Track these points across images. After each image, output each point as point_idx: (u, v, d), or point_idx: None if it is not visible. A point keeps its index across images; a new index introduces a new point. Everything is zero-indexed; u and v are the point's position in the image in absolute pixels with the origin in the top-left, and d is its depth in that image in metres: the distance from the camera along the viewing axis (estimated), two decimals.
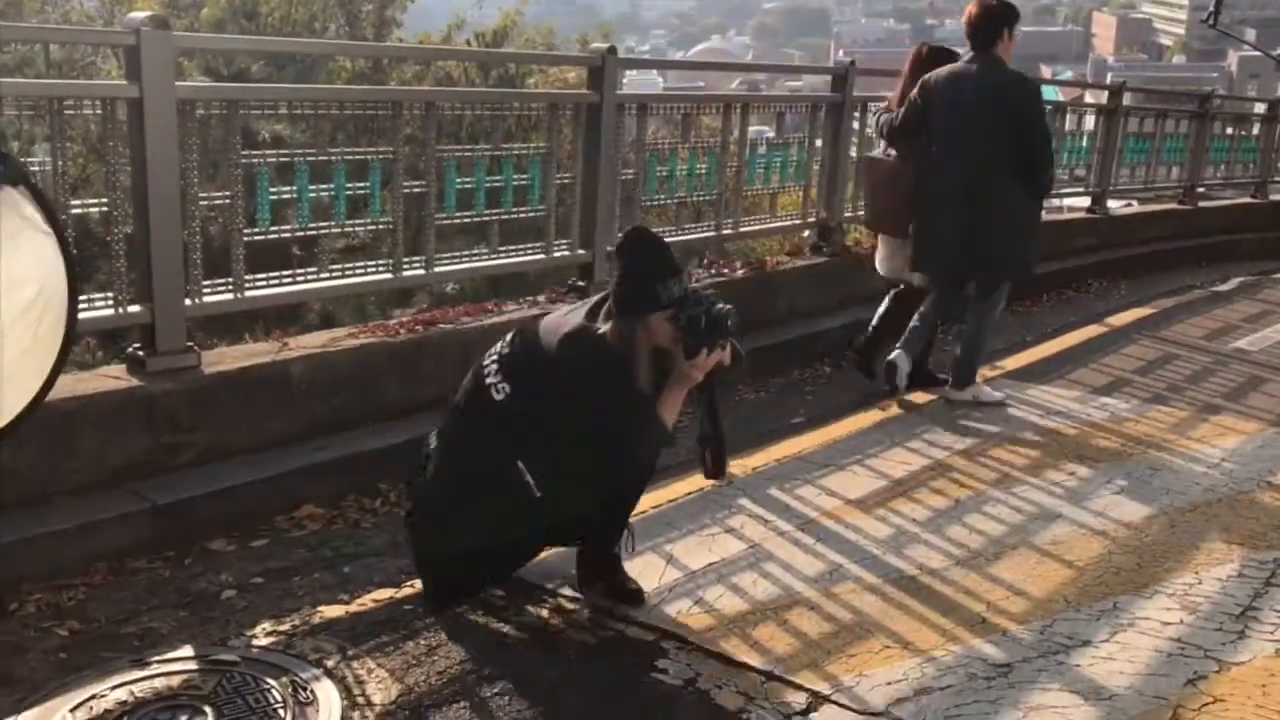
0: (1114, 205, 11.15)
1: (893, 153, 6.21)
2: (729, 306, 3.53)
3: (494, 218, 5.51)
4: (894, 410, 6.00)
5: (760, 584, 3.92)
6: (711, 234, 6.85)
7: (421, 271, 5.23)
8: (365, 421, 4.84)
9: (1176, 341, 7.87)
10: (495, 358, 3.69)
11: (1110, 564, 4.18)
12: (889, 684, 3.31)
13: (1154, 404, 6.31)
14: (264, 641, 3.43)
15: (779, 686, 3.28)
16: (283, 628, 3.51)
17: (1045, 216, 10.21)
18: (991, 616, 3.75)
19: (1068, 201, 11.73)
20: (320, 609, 3.65)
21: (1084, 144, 10.45)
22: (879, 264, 6.53)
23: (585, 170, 5.85)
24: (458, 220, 5.38)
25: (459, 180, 5.27)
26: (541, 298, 5.88)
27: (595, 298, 3.74)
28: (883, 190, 6.31)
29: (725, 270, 6.83)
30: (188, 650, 3.36)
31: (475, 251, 5.50)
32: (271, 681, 3.20)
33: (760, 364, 6.51)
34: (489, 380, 3.64)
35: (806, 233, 7.85)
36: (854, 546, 4.26)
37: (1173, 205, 12.05)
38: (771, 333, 6.82)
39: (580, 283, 5.98)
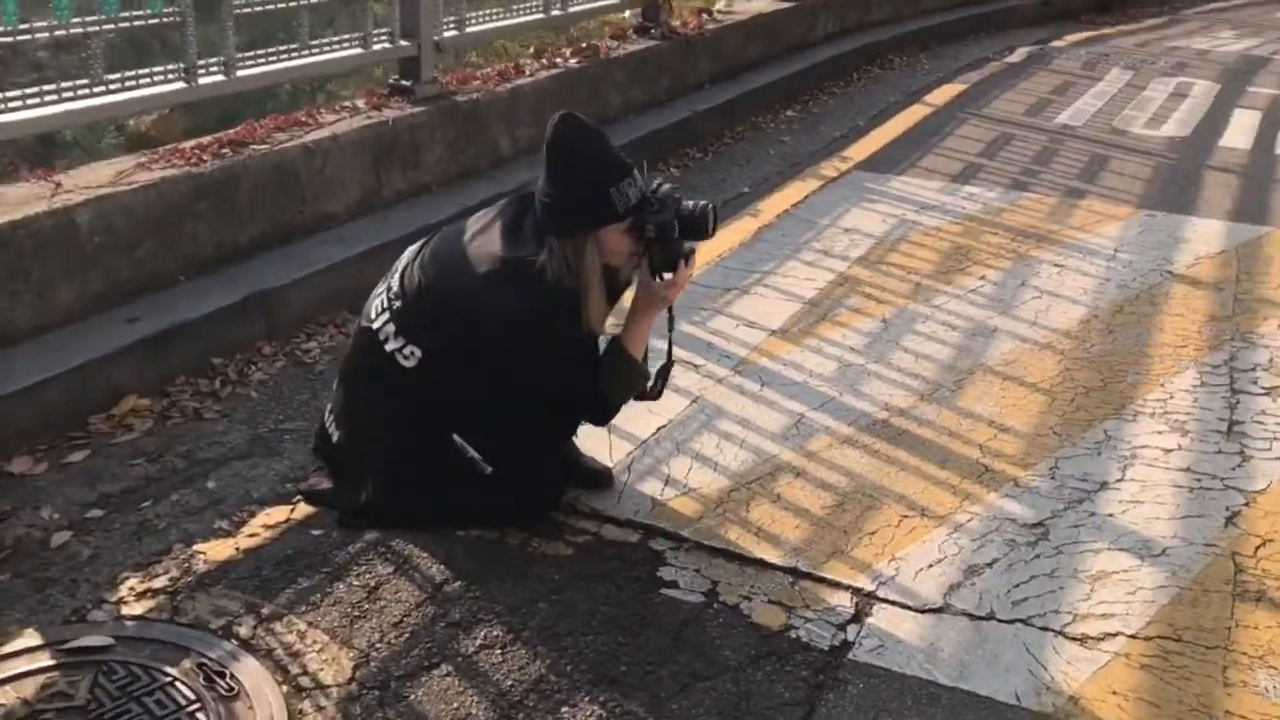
0: None
1: None
2: (705, 202, 2.75)
3: (302, 3, 4.35)
4: (767, 218, 5.41)
5: (726, 449, 3.31)
6: (540, 15, 5.87)
7: (221, 77, 4.08)
8: (178, 277, 3.79)
9: (1003, 120, 7.63)
10: (386, 313, 2.80)
11: (1075, 382, 3.82)
12: (931, 566, 2.82)
13: (1018, 191, 6.02)
14: (137, 608, 2.53)
15: (813, 587, 2.72)
16: (157, 583, 2.62)
17: None
18: (991, 463, 3.31)
19: None
20: (198, 547, 2.76)
21: None
22: None
23: None
24: (259, 9, 4.21)
25: None
26: (360, 103, 4.81)
27: (504, 206, 2.81)
28: None
29: (557, 60, 5.89)
30: (33, 637, 2.42)
31: (284, 49, 4.35)
32: (171, 670, 2.34)
33: None
34: (389, 347, 2.76)
35: (627, 13, 6.96)
36: (805, 389, 3.71)
37: None
38: (612, 134, 5.99)
39: (405, 82, 4.94)
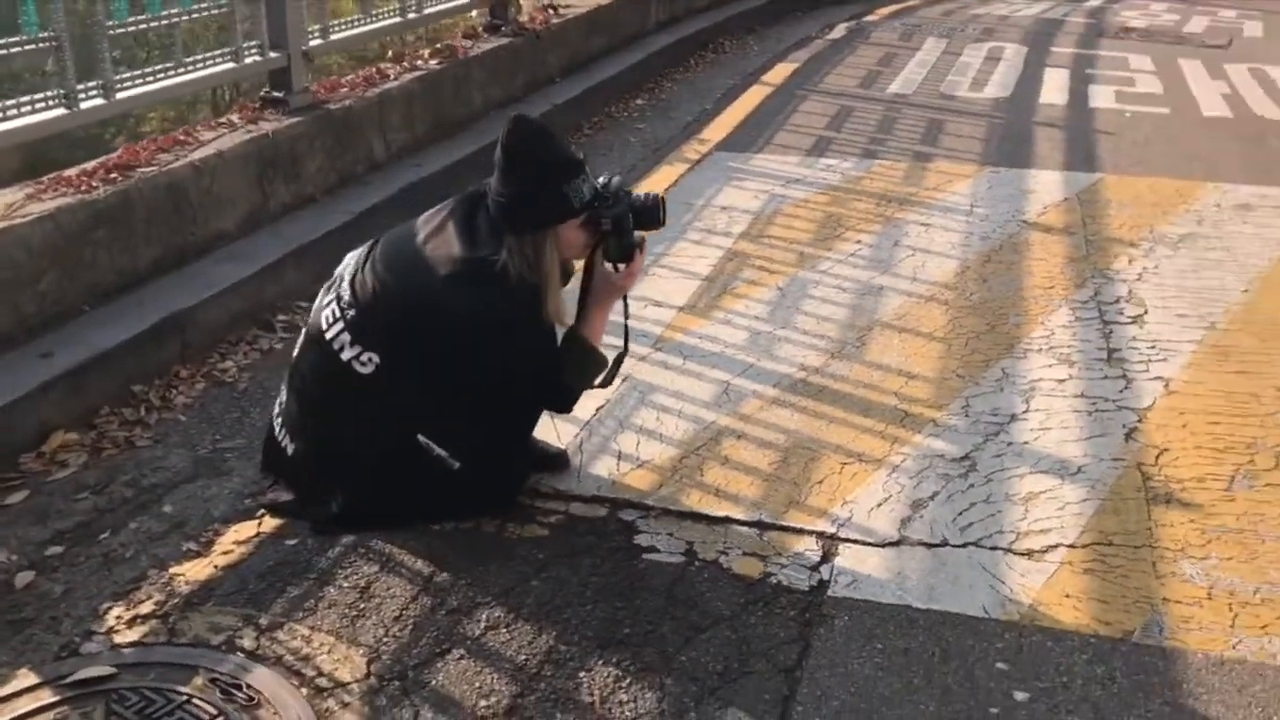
0: None
1: None
2: (656, 193, 2.89)
3: (175, 19, 4.29)
4: None
5: (667, 421, 3.46)
6: (397, 20, 5.87)
7: (102, 100, 3.99)
8: (82, 307, 3.70)
9: (840, 93, 7.98)
10: (339, 321, 2.82)
11: (965, 329, 4.12)
12: (880, 505, 3.03)
13: (870, 159, 6.34)
14: (131, 635, 2.51)
15: (780, 536, 2.90)
16: (144, 609, 2.60)
17: None
18: (909, 408, 3.56)
19: None
20: (175, 570, 2.74)
21: None
22: None
23: None
24: (132, 28, 4.12)
25: None
26: (236, 117, 4.75)
27: (453, 207, 2.85)
28: None
29: (418, 63, 5.91)
30: (28, 677, 2.38)
31: (160, 68, 4.27)
32: (184, 689, 2.34)
33: (467, 178, 5.80)
34: (345, 355, 2.79)
35: (474, 13, 7.01)
36: (724, 359, 3.88)
37: None
38: (476, 134, 6.05)
39: (277, 93, 4.89)
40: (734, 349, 3.95)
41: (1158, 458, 3.26)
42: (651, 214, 2.84)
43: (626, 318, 3.02)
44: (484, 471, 2.89)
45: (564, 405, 3.00)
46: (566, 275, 3.00)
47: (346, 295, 2.84)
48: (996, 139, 6.75)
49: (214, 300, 3.96)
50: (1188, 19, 11.63)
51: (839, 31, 10.50)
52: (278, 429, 3.05)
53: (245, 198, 4.44)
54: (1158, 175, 5.99)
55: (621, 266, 2.87)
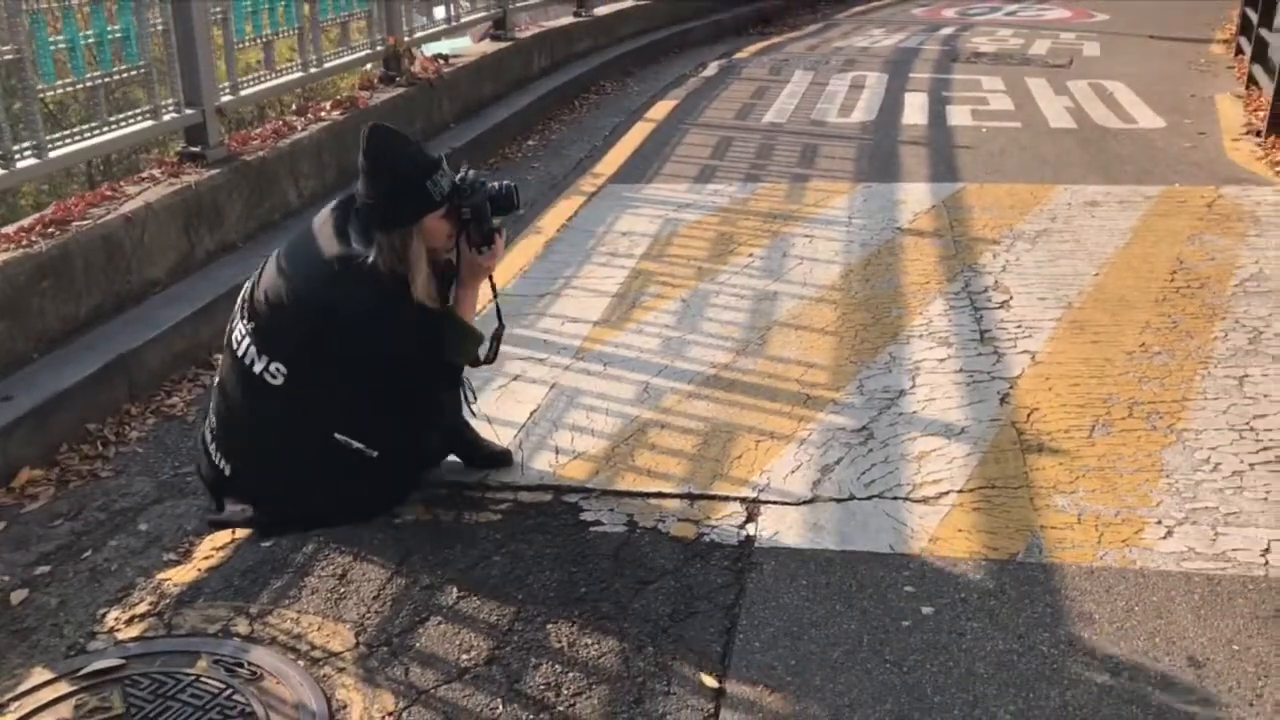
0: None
1: None
2: (509, 181, 3.20)
3: (99, 81, 4.52)
4: (549, 233, 5.93)
5: (596, 419, 3.80)
6: (300, 74, 6.15)
7: (35, 160, 4.20)
8: (30, 354, 3.90)
9: (719, 125, 8.47)
10: (246, 337, 3.11)
11: (854, 323, 4.55)
12: (794, 472, 3.41)
13: (754, 182, 6.81)
14: (133, 632, 2.75)
15: (709, 504, 3.26)
16: (139, 609, 2.83)
17: (545, 25, 10.39)
18: (811, 391, 3.96)
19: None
20: (161, 576, 2.98)
21: None
22: None
23: (176, 11, 4.95)
24: (60, 90, 4.35)
25: (51, 40, 4.23)
26: (158, 172, 4.97)
27: (328, 214, 3.15)
28: None
29: (321, 114, 6.19)
30: (43, 673, 2.60)
31: (87, 127, 4.49)
32: (190, 671, 2.59)
33: None
34: (256, 368, 3.08)
35: (369, 65, 7.31)
36: (640, 363, 4.25)
37: (636, 1, 12.64)
38: None
39: (194, 148, 5.13)
40: (649, 354, 4.32)
41: (1029, 416, 3.72)
42: (507, 200, 3.14)
43: (496, 295, 3.31)
44: (401, 453, 3.19)
45: (451, 379, 3.26)
46: (444, 268, 3.23)
47: (249, 312, 3.13)
48: (866, 158, 7.29)
49: (156, 342, 4.18)
50: (1032, 42, 12.49)
51: (712, 69, 11.04)
52: (214, 453, 3.28)
53: (174, 246, 4.67)
54: (1014, 181, 6.57)
55: (485, 249, 3.16)
